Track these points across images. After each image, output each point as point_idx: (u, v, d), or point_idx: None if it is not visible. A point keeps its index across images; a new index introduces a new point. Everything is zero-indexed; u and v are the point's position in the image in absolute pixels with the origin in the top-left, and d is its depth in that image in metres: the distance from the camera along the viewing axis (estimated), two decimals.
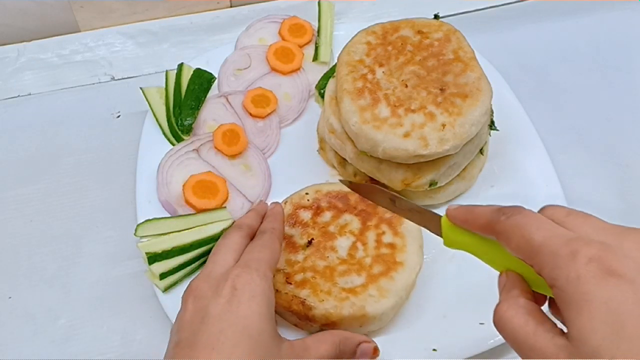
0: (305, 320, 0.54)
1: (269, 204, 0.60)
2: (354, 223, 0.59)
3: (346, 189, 0.60)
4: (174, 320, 0.55)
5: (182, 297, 0.49)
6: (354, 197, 0.60)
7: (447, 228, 0.43)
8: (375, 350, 0.52)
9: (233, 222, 0.61)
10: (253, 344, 0.44)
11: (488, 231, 0.39)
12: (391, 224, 0.58)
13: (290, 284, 0.55)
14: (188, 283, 0.57)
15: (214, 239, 0.59)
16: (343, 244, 0.58)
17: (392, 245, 0.57)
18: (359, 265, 0.56)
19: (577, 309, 0.32)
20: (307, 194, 0.61)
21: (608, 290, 0.32)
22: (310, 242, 0.57)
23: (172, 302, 0.57)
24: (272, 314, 0.47)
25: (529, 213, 0.38)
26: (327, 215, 0.59)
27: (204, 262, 0.59)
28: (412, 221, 0.48)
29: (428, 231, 0.45)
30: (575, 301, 0.33)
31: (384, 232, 0.58)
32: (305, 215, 0.59)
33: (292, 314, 0.54)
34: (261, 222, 0.57)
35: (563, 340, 0.33)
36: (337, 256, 0.57)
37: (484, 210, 0.40)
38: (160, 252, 0.57)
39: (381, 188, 0.52)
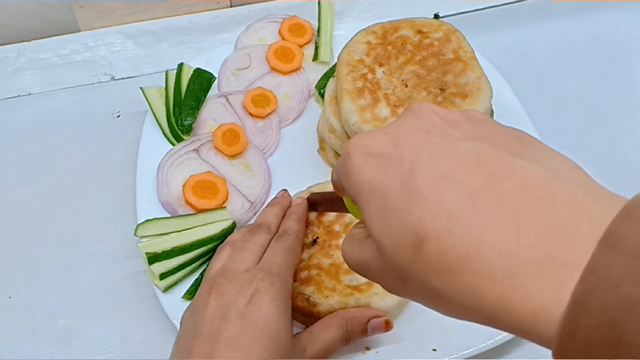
0: (310, 316, 0.54)
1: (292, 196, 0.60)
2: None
3: None
4: (173, 320, 0.56)
5: (202, 290, 0.49)
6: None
7: (346, 202, 0.42)
8: (388, 324, 0.52)
9: (233, 223, 0.61)
10: (271, 343, 0.45)
11: (337, 190, 0.38)
12: None
13: (295, 280, 0.55)
14: (189, 283, 0.58)
15: (214, 239, 0.59)
16: None
17: None
18: None
19: (359, 204, 0.31)
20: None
21: (369, 173, 0.30)
22: (315, 241, 0.58)
23: (172, 302, 0.57)
24: (290, 315, 0.48)
25: None
26: (331, 215, 0.59)
27: (204, 262, 0.59)
28: (335, 211, 0.48)
29: None
30: (356, 198, 0.31)
31: None
32: (311, 214, 0.59)
33: (297, 310, 0.54)
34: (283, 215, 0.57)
35: None
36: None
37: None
38: (160, 252, 0.57)
39: (316, 193, 0.54)
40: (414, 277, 0.28)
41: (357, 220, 0.58)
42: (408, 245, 0.28)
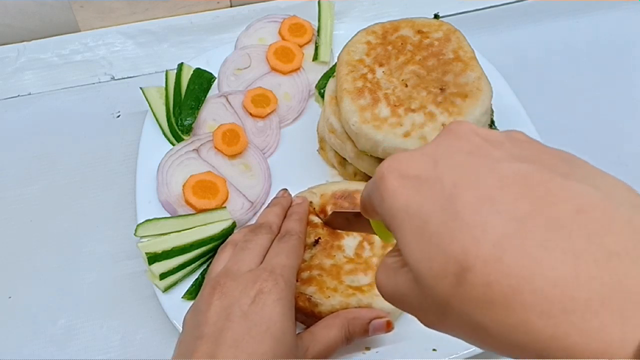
0: (311, 317, 0.54)
1: (292, 196, 0.60)
2: None
3: (351, 188, 0.60)
4: (173, 320, 0.56)
5: (205, 290, 0.49)
6: (359, 197, 0.60)
7: (373, 224, 0.41)
8: (389, 324, 0.52)
9: (233, 223, 0.61)
10: (275, 343, 0.45)
11: (366, 212, 0.36)
12: None
13: (296, 281, 0.55)
14: (189, 283, 0.58)
15: (214, 239, 0.59)
16: (350, 243, 0.57)
17: None
18: (365, 264, 0.56)
19: (393, 230, 0.29)
20: (313, 193, 0.61)
21: (406, 196, 0.28)
22: (316, 242, 0.57)
23: (172, 302, 0.57)
24: (293, 316, 0.48)
25: None
26: None
27: (204, 262, 0.59)
28: (359, 231, 0.48)
29: None
30: (390, 224, 0.29)
31: None
32: (313, 216, 0.59)
33: (299, 310, 0.54)
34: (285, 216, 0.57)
35: None
36: (344, 255, 0.57)
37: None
38: (160, 252, 0.57)
39: (338, 211, 0.54)
40: (456, 310, 0.26)
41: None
42: (449, 275, 0.25)
